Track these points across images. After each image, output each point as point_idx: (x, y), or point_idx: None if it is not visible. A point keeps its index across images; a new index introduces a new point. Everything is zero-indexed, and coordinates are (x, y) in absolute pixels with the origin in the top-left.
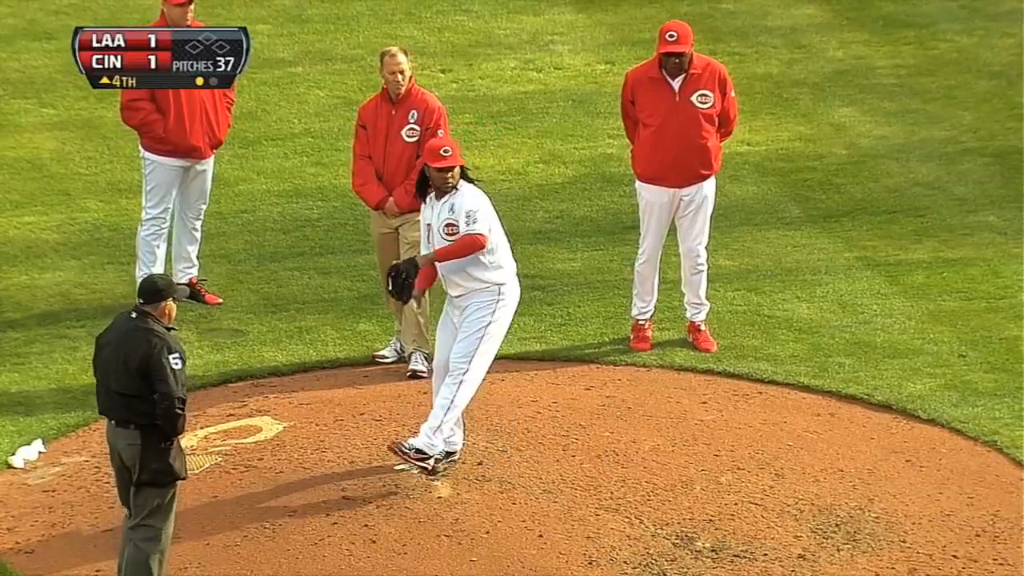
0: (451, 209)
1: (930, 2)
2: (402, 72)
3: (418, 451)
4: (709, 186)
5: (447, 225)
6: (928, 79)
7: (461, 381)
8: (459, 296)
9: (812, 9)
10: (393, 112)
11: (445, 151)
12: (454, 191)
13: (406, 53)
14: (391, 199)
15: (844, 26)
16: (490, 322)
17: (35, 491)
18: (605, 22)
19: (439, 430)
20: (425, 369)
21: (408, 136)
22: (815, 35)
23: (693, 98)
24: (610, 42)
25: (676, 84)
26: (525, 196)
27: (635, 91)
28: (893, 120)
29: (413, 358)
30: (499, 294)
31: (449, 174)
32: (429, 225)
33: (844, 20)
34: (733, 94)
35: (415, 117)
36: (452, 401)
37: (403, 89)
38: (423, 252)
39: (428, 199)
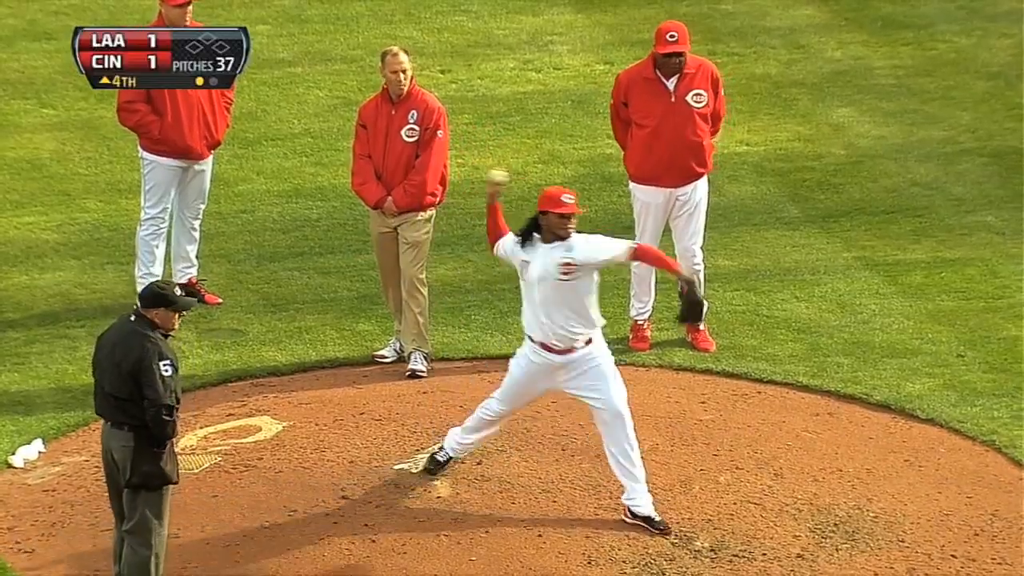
0: (567, 248)
1: (928, 3)
2: (404, 72)
3: (648, 518)
4: (703, 186)
5: (564, 264)
6: (926, 79)
7: (628, 423)
8: (562, 351)
9: (811, 10)
10: (393, 112)
11: (567, 198)
12: None
13: (407, 53)
14: (390, 199)
15: (843, 27)
16: (613, 360)
17: (35, 491)
18: (604, 22)
19: (635, 476)
20: (424, 369)
21: (408, 136)
22: (814, 36)
23: (688, 98)
24: (609, 42)
25: (671, 84)
26: (525, 196)
27: (629, 92)
28: (891, 120)
29: (412, 358)
30: (600, 343)
31: (571, 220)
32: (526, 262)
33: (843, 21)
34: (723, 93)
35: (415, 117)
36: (631, 445)
37: (404, 89)
38: (524, 290)
39: (532, 241)
